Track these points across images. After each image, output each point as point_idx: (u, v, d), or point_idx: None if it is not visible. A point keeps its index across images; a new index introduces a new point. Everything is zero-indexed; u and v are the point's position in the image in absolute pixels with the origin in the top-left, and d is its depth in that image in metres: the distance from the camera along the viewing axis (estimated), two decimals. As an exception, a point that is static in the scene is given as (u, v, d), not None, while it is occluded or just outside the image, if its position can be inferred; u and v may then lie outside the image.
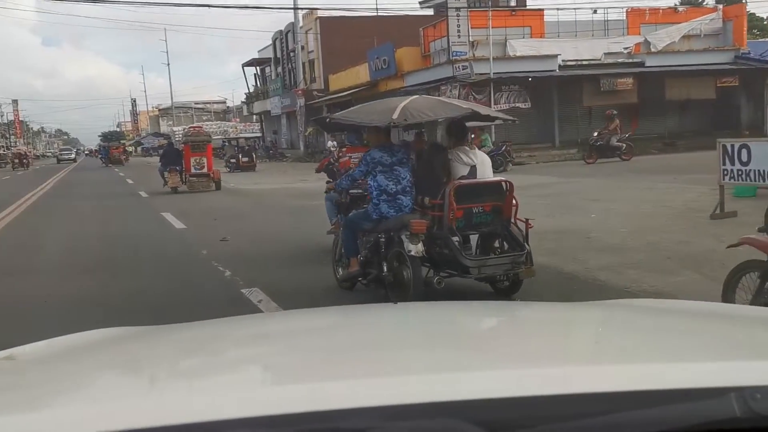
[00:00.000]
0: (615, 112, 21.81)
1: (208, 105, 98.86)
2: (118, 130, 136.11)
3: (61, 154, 68.91)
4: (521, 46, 26.54)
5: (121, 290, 6.75)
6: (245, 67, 49.26)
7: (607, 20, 30.32)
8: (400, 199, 5.52)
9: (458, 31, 25.42)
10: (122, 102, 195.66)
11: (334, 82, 37.04)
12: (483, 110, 6.39)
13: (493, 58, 24.50)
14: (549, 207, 11.66)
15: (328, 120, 6.61)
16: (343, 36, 35.98)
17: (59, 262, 8.73)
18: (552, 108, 26.36)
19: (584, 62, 26.52)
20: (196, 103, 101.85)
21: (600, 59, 26.74)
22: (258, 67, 48.81)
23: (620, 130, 21.39)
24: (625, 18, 30.03)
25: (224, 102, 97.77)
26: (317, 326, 1.75)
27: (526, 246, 5.44)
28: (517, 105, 24.95)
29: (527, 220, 5.54)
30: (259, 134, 55.56)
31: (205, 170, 19.17)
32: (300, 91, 37.26)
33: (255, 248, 8.89)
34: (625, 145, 21.23)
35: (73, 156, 68.27)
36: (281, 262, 7.78)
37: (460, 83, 24.55)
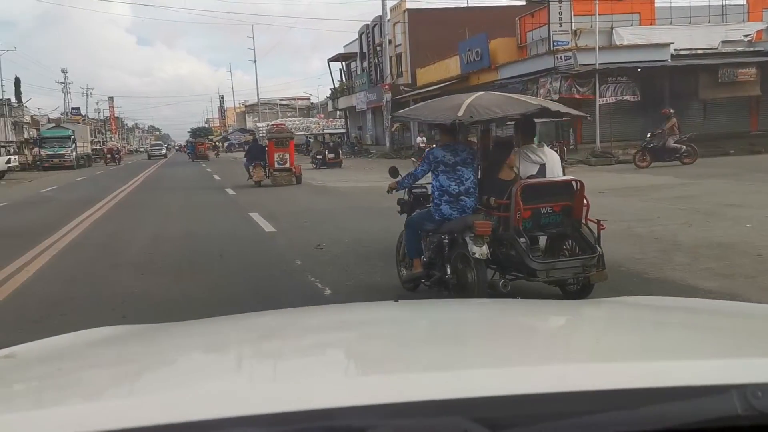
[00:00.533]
0: (672, 110, 19.06)
1: (292, 101, 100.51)
2: (206, 126, 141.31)
3: (152, 150, 70.01)
4: (629, 34, 24.47)
5: (204, 301, 5.95)
6: (331, 63, 48.82)
7: (726, 5, 27.67)
8: (462, 201, 5.37)
9: (560, 18, 23.67)
10: (210, 99, 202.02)
11: (421, 76, 35.89)
12: (553, 106, 5.92)
13: (599, 48, 22.59)
14: (684, 213, 10.04)
15: (391, 117, 5.99)
16: (432, 28, 34.76)
17: (141, 264, 7.96)
18: (663, 101, 24.16)
19: (699, 51, 24.18)
20: (281, 100, 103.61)
21: (717, 48, 24.36)
22: (343, 63, 48.25)
23: (678, 130, 18.57)
24: (745, 2, 27.33)
25: (308, 98, 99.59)
26: (318, 324, 1.73)
27: (598, 248, 5.21)
28: (625, 98, 22.98)
29: (599, 221, 5.30)
30: (343, 130, 55.30)
31: (287, 165, 19.72)
32: (386, 86, 36.26)
33: (353, 258, 7.75)
34: (685, 147, 18.42)
35: (163, 152, 69.18)
36: (385, 277, 6.60)
37: (561, 75, 22.81)
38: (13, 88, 77.70)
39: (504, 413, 0.88)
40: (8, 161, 31.75)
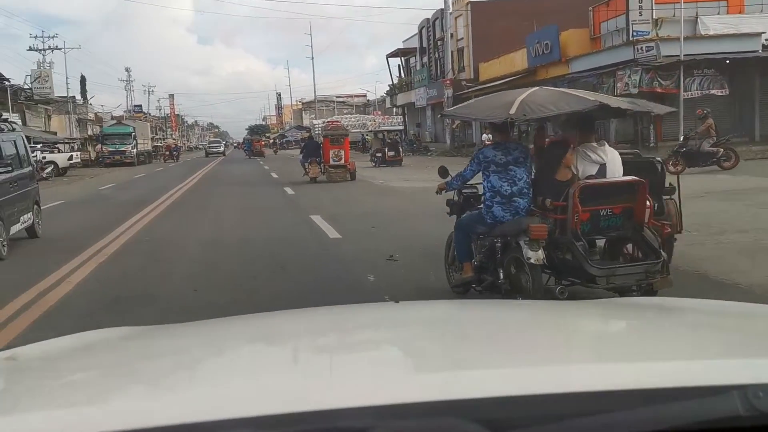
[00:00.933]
0: (707, 110, 16.79)
1: (348, 98, 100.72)
2: (263, 123, 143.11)
3: (209, 147, 69.29)
4: (715, 23, 22.64)
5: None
6: (389, 58, 47.82)
7: (824, -10, 25.39)
8: (515, 202, 5.15)
9: (640, 7, 22.00)
10: (268, 96, 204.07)
11: (485, 70, 34.53)
12: (613, 102, 5.50)
13: (683, 38, 20.84)
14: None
15: (440, 115, 5.36)
16: (497, 20, 33.32)
17: (194, 276, 7.11)
18: (753, 96, 22.24)
19: (794, 41, 22.13)
20: (337, 97, 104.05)
21: (813, 37, 22.26)
22: (402, 58, 47.17)
23: (716, 132, 16.31)
24: None
25: (365, 95, 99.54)
26: (318, 325, 1.72)
27: (662, 253, 4.92)
28: (712, 91, 21.21)
29: (663, 223, 5.21)
30: (400, 127, 54.40)
31: (342, 162, 20.25)
32: (448, 81, 34.99)
33: (432, 271, 6.63)
34: (722, 150, 16.16)
35: (221, 149, 68.50)
36: (475, 296, 5.48)
37: (642, 67, 21.17)
38: (79, 86, 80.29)
39: (504, 414, 0.87)
40: (70, 158, 31.88)
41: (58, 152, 33.65)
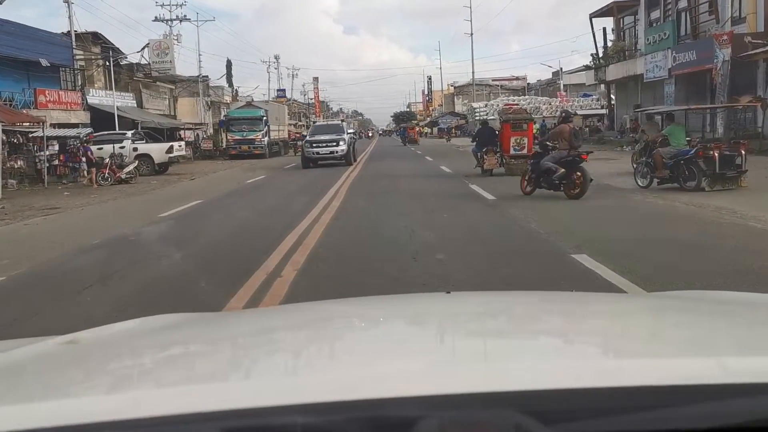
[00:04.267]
0: None
1: (507, 82, 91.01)
2: (408, 110, 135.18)
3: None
4: None
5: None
6: (593, 19, 35.52)
7: None
8: None
9: None
10: (414, 83, 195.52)
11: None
12: None
13: None
14: None
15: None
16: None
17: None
18: None
19: None
20: (493, 80, 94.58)
21: None
22: (618, 17, 34.65)
23: None
24: None
25: (524, 78, 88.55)
26: (369, 315, 1.71)
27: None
28: None
29: None
30: (601, 110, 42.13)
31: (525, 152, 16.69)
32: (725, 37, 22.50)
33: None
34: None
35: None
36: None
37: None
38: (225, 70, 74.55)
39: (556, 407, 0.85)
40: (170, 149, 22.92)
41: (168, 141, 25.15)
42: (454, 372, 1.00)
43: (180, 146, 23.99)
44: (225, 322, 1.73)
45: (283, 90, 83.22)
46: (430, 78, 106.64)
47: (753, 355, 1.08)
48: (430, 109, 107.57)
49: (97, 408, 0.90)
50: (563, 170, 11.09)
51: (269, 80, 76.50)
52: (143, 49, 35.81)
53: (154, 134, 26.53)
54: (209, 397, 0.90)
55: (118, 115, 30.30)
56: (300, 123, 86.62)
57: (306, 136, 27.69)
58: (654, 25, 29.73)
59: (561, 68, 58.14)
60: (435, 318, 1.59)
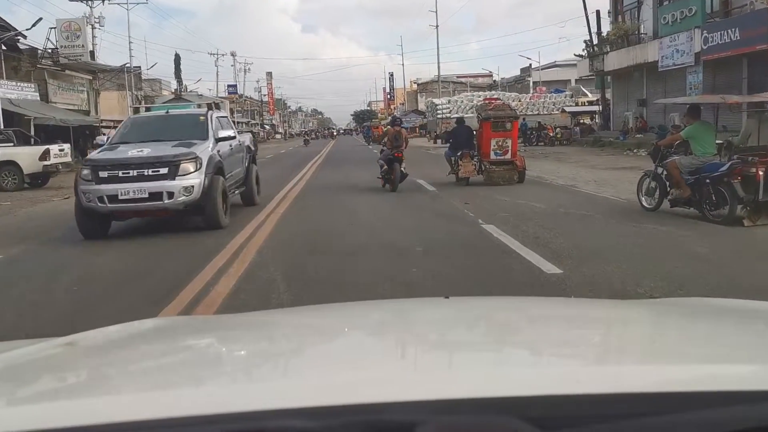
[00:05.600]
0: None
1: (472, 79, 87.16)
2: (368, 109, 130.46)
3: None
4: None
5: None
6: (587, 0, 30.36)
7: None
8: None
9: None
10: (374, 79, 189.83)
11: None
12: None
13: None
14: None
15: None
16: None
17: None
18: None
19: None
20: (458, 77, 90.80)
21: None
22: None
23: None
24: None
25: (490, 75, 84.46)
26: (368, 319, 1.68)
27: None
28: None
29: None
30: (590, 107, 37.19)
31: (508, 156, 14.29)
32: (785, 7, 17.43)
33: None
34: None
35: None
36: None
37: None
38: (173, 65, 67.87)
39: (554, 413, 0.85)
40: (44, 155, 16.50)
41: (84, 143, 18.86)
42: (453, 377, 1.01)
43: (61, 150, 17.73)
44: (222, 326, 1.71)
45: (234, 86, 76.74)
46: (392, 74, 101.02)
47: (751, 362, 1.07)
48: (392, 107, 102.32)
49: (95, 410, 0.90)
50: (387, 166, 13.31)
51: (217, 73, 69.22)
52: (43, 27, 29.27)
53: (56, 135, 20.25)
54: (207, 400, 0.90)
55: (7, 111, 23.92)
56: (253, 122, 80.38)
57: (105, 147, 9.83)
58: (669, 1, 24.55)
59: (531, 64, 53.58)
60: (433, 322, 1.58)
